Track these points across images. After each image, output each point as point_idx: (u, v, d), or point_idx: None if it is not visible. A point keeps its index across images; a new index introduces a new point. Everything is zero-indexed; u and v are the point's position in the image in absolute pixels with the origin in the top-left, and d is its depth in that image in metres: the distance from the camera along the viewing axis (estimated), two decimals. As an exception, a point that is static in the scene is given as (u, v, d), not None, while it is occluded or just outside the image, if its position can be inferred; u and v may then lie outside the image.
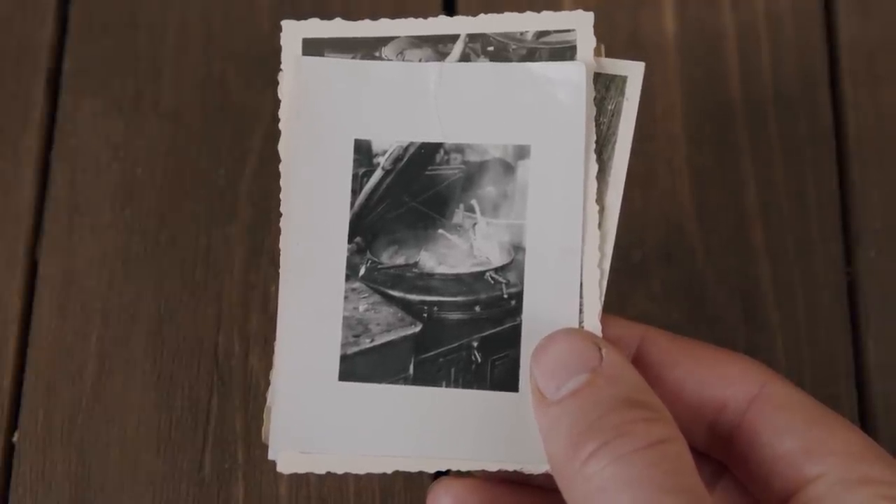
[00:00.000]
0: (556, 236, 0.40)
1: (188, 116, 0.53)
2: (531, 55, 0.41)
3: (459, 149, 0.41)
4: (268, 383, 0.40)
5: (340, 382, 0.40)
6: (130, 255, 0.51)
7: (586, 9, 0.41)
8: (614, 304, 0.50)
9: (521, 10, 0.41)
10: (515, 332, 0.40)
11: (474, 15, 0.41)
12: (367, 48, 0.41)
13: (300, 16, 0.41)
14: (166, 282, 0.51)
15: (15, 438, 0.49)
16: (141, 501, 0.48)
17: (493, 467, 0.39)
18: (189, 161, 0.52)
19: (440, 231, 0.40)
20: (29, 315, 0.51)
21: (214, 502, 0.48)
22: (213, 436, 0.49)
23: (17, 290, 0.51)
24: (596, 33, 0.41)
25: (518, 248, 0.40)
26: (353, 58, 0.41)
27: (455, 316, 0.40)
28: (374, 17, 0.42)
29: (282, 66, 0.41)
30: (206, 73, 0.54)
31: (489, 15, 0.41)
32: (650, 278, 0.51)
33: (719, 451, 0.40)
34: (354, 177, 0.41)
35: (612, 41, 0.53)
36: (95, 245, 0.51)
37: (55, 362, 0.50)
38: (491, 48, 0.41)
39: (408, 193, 0.41)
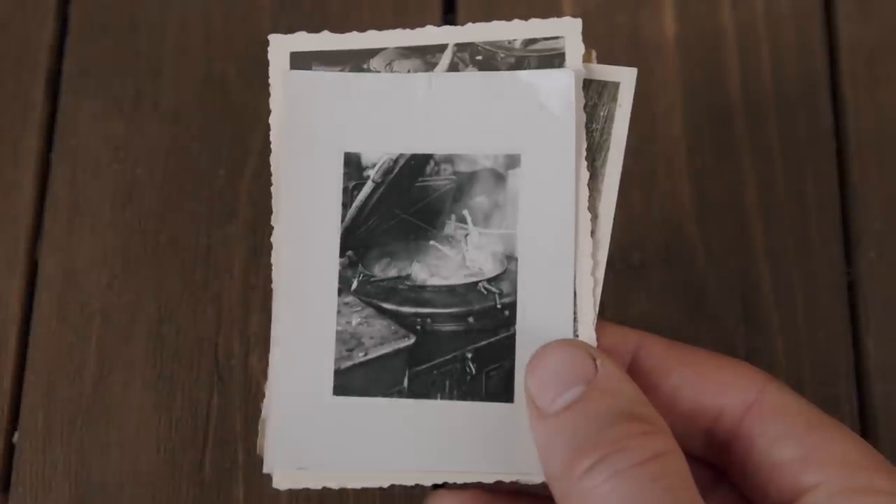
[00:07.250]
0: (549, 245, 0.39)
1: (188, 116, 0.53)
2: (520, 63, 0.40)
3: (449, 159, 0.40)
4: (268, 384, 0.41)
5: (335, 397, 0.40)
6: (130, 255, 0.51)
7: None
8: (614, 306, 0.50)
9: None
10: (509, 343, 0.39)
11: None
12: (355, 60, 0.41)
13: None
14: (166, 282, 0.51)
15: (15, 438, 0.49)
16: (141, 501, 0.48)
17: (489, 479, 0.39)
18: (189, 161, 0.52)
19: (432, 242, 0.40)
20: (29, 315, 0.51)
21: (214, 502, 0.48)
22: (213, 436, 0.49)
23: (17, 290, 0.51)
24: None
25: (511, 258, 0.40)
26: (341, 70, 0.41)
27: (448, 327, 0.40)
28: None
29: (269, 81, 0.41)
30: (206, 73, 0.54)
31: (477, 24, 0.41)
32: (650, 279, 0.51)
33: (717, 457, 0.40)
34: (345, 190, 0.40)
35: (611, 42, 0.53)
36: (95, 245, 0.51)
37: (55, 362, 0.50)
38: (479, 57, 0.41)
39: (399, 205, 0.40)
